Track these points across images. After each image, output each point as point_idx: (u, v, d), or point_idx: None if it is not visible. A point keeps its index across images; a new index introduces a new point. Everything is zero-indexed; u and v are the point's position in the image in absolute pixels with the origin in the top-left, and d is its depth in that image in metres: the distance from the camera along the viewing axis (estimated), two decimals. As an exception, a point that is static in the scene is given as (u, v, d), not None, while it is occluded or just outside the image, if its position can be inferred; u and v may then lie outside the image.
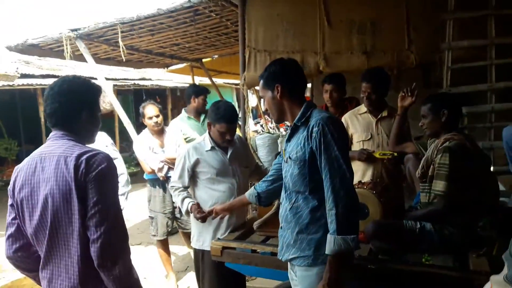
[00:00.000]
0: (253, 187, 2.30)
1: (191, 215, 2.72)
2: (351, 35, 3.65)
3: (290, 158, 1.82)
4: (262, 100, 18.48)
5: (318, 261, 1.76)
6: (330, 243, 1.65)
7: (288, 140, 1.90)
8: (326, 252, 1.67)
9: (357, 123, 3.04)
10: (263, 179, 2.25)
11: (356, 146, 3.04)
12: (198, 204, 2.64)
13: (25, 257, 1.60)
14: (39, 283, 1.68)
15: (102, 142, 3.33)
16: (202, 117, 4.22)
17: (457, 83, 3.36)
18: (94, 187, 1.44)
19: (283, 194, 1.93)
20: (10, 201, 1.59)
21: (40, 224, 1.49)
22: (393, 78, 4.73)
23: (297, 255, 1.81)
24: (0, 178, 9.51)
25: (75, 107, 1.57)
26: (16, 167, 1.63)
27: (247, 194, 2.31)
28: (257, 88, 13.19)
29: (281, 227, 1.93)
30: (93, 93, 1.65)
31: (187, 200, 2.66)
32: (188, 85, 11.44)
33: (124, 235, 1.55)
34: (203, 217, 2.55)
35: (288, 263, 1.93)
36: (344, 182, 1.68)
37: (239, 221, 2.76)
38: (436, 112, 2.24)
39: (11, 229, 1.58)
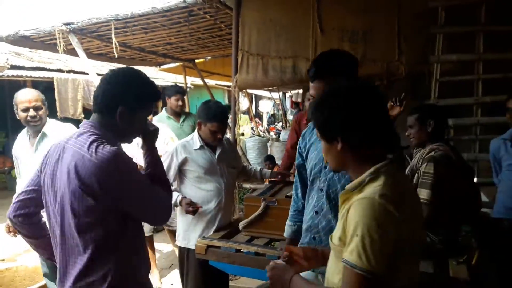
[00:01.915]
0: (289, 226, 2.06)
1: (178, 211, 2.74)
2: (342, 43, 3.70)
3: None
4: (253, 102, 18.41)
5: None
6: None
7: None
8: None
9: None
10: (294, 210, 2.04)
11: None
12: (188, 198, 2.64)
13: (25, 224, 1.63)
14: (38, 251, 1.76)
15: None
16: (182, 118, 4.25)
17: (444, 95, 3.43)
18: (114, 186, 1.39)
19: (324, 205, 1.74)
20: (37, 172, 1.59)
21: (54, 216, 1.48)
22: (382, 87, 4.82)
23: None
24: (-15, 169, 9.37)
25: (113, 99, 1.47)
26: (53, 144, 1.57)
27: (289, 234, 2.04)
28: (249, 91, 13.26)
29: (314, 238, 1.78)
30: (142, 93, 1.51)
31: (175, 193, 2.66)
32: (180, 85, 11.42)
33: (160, 200, 1.56)
34: (195, 210, 2.56)
35: (318, 275, 1.78)
36: None
37: (225, 221, 2.78)
38: (423, 122, 2.30)
39: (24, 196, 1.60)
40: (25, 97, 2.74)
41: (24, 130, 2.94)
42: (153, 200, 1.51)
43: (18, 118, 2.79)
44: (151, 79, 1.56)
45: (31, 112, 2.73)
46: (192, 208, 2.55)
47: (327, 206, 1.73)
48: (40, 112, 2.78)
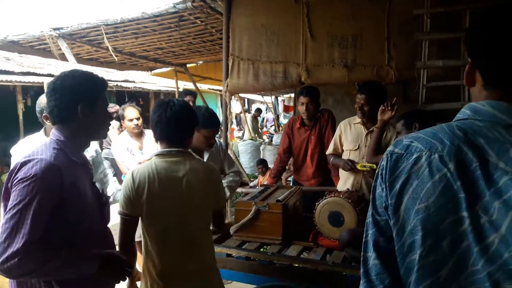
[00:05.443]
0: None
1: None
2: (332, 48, 3.74)
3: None
4: (246, 106, 18.26)
5: None
6: None
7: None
8: None
9: (349, 132, 3.12)
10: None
11: (344, 154, 3.13)
12: None
13: None
14: None
15: (93, 146, 3.33)
16: None
17: (434, 99, 3.47)
18: (15, 191, 1.34)
19: None
20: None
21: None
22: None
23: None
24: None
25: (69, 104, 1.49)
26: None
27: None
28: (241, 95, 13.27)
29: None
30: (92, 86, 1.55)
31: None
32: (172, 89, 11.39)
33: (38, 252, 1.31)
34: None
35: None
36: None
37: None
38: (409, 126, 2.35)
39: None
40: None
41: (37, 135, 2.84)
42: (20, 230, 1.29)
43: None
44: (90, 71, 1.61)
45: None
46: None
47: None
48: None
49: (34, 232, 1.29)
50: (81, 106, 1.50)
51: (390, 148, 0.92)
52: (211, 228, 2.03)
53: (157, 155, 1.87)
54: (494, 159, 0.79)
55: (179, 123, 1.86)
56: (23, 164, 1.38)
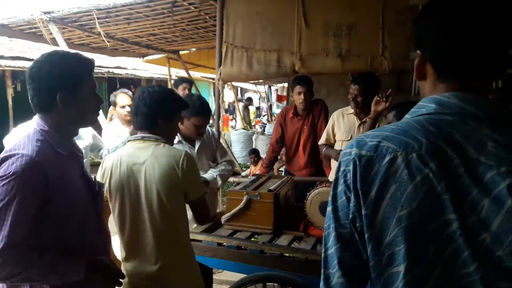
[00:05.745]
0: None
1: None
2: (327, 37, 3.71)
3: None
4: (239, 95, 18.18)
5: None
6: None
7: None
8: None
9: (342, 123, 3.12)
10: None
11: (336, 145, 3.13)
12: None
13: None
14: None
15: (89, 131, 3.29)
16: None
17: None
18: None
19: None
20: None
21: None
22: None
23: None
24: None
25: (47, 93, 1.36)
26: None
27: None
28: (234, 83, 13.18)
29: None
30: (71, 70, 1.39)
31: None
32: (164, 76, 11.31)
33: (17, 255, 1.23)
34: None
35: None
36: None
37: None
38: (400, 118, 2.34)
39: None
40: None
41: (30, 123, 2.79)
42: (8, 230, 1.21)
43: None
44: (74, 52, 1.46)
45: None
46: None
47: None
48: None
49: (13, 235, 1.21)
50: (60, 94, 1.36)
51: (353, 151, 0.82)
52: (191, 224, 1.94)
53: (128, 141, 1.89)
54: (474, 154, 0.73)
55: (147, 109, 1.81)
56: (3, 160, 1.28)
